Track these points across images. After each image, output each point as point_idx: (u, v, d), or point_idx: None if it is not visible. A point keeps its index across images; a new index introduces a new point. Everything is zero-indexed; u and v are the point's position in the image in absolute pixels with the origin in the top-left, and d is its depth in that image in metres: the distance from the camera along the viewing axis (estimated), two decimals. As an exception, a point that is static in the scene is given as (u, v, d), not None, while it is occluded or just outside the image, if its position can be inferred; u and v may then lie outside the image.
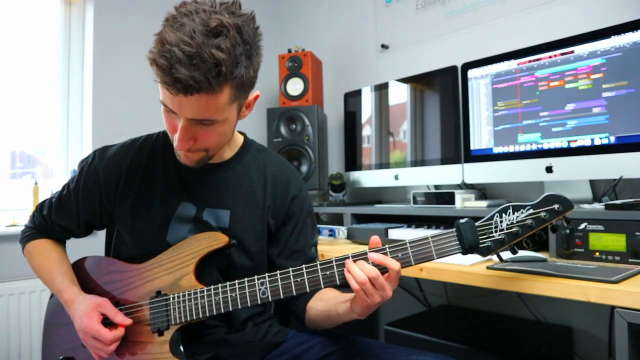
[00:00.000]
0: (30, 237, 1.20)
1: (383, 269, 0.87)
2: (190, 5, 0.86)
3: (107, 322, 1.02)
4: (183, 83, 0.82)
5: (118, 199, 1.10)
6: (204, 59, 0.81)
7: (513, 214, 0.86)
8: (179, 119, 0.91)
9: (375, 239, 0.91)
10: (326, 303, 1.06)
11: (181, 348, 1.01)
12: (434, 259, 0.87)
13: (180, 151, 0.98)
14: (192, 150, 0.96)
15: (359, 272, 0.87)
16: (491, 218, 0.87)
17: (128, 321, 1.02)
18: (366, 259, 0.88)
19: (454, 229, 0.87)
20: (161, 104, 0.92)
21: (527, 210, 0.85)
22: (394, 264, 0.86)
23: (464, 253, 0.86)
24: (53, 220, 1.17)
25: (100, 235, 1.24)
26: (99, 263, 1.15)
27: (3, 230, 1.99)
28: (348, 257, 0.90)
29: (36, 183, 2.08)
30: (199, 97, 0.85)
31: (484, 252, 0.86)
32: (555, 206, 0.85)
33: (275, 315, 1.22)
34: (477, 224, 0.87)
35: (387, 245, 0.89)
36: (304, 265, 0.92)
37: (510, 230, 0.85)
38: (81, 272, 1.15)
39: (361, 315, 0.94)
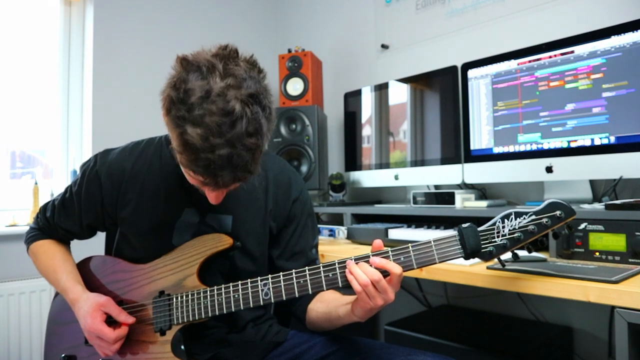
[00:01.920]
0: (34, 237, 1.21)
1: (385, 273, 0.87)
2: (195, 83, 0.80)
3: (111, 321, 1.02)
4: (228, 184, 0.84)
5: (120, 203, 1.10)
6: (241, 155, 0.81)
7: (515, 219, 0.86)
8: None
9: (378, 243, 0.92)
10: (327, 305, 1.06)
11: (182, 347, 1.02)
12: (436, 263, 0.88)
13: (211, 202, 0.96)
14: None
15: (361, 274, 0.87)
16: (493, 223, 0.87)
17: (131, 319, 1.03)
18: (368, 262, 0.88)
19: (456, 234, 0.87)
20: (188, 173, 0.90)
21: (529, 217, 0.86)
22: (395, 268, 0.87)
23: (466, 258, 0.87)
24: (56, 223, 1.18)
25: (101, 236, 1.24)
26: (104, 263, 1.16)
27: (3, 230, 1.99)
28: (351, 259, 0.90)
29: (36, 183, 2.08)
30: (241, 182, 0.88)
31: (486, 257, 0.87)
32: (557, 213, 0.85)
33: (276, 315, 1.22)
34: (479, 228, 0.87)
35: (389, 249, 0.89)
36: (306, 267, 0.92)
37: (512, 236, 0.86)
38: (86, 272, 1.15)
39: (362, 318, 0.94)
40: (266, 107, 0.85)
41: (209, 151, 0.79)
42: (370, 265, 0.88)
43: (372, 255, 0.89)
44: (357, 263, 0.89)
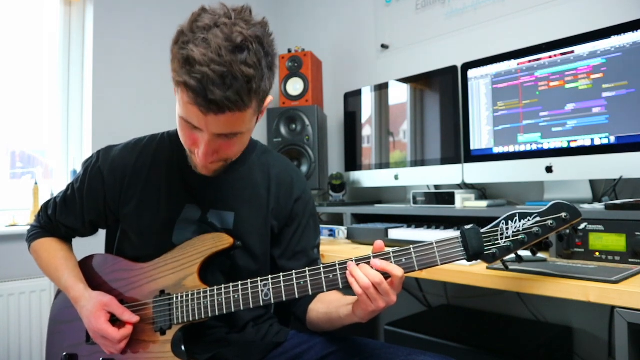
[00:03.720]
0: (36, 235, 1.21)
1: (386, 275, 0.87)
2: (206, 17, 0.84)
3: (115, 320, 1.03)
4: (218, 104, 0.82)
5: (122, 199, 1.10)
6: (236, 77, 0.81)
7: (520, 221, 0.84)
8: (201, 134, 0.89)
9: (379, 244, 0.91)
10: (328, 306, 1.06)
11: (182, 347, 1.02)
12: (437, 265, 0.86)
13: (201, 163, 0.95)
14: (213, 161, 0.95)
15: (362, 277, 0.86)
16: (497, 225, 0.86)
17: (135, 318, 1.03)
18: (369, 264, 0.88)
19: (459, 235, 0.86)
20: (181, 119, 0.90)
21: (533, 218, 0.84)
22: (397, 271, 0.86)
23: (469, 260, 0.85)
24: (58, 220, 1.17)
25: (101, 234, 1.24)
26: (105, 261, 1.16)
27: (3, 230, 1.99)
28: (352, 260, 0.89)
29: (36, 183, 2.08)
30: (230, 115, 0.85)
31: (489, 259, 0.85)
32: (563, 214, 0.83)
33: (276, 315, 1.22)
34: (482, 230, 0.86)
35: (391, 250, 0.88)
36: (307, 268, 0.92)
37: (516, 238, 0.84)
38: (88, 270, 1.15)
39: (363, 319, 0.94)
40: (269, 54, 0.87)
41: (205, 64, 0.79)
42: (372, 268, 0.87)
43: (373, 257, 0.88)
44: (357, 264, 0.88)
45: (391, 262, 0.88)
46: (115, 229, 1.18)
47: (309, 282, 0.91)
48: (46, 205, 1.21)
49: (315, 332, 1.14)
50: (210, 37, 0.81)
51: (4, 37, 2.19)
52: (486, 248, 0.85)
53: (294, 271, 0.93)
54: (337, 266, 0.90)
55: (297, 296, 0.92)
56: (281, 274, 0.94)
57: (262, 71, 0.85)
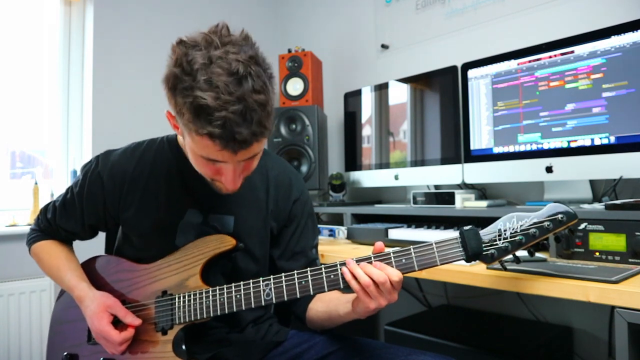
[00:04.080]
0: (36, 238, 1.21)
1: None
2: (197, 55, 0.82)
3: (118, 321, 1.03)
4: (247, 141, 0.83)
5: (122, 204, 1.10)
6: (254, 109, 0.81)
7: (517, 222, 0.86)
8: (224, 164, 0.90)
9: (379, 245, 0.92)
10: (327, 304, 1.06)
11: (183, 347, 1.02)
12: (437, 265, 0.88)
13: (231, 188, 0.95)
14: (241, 181, 0.96)
15: (362, 275, 0.87)
16: (495, 226, 0.87)
17: (138, 321, 1.03)
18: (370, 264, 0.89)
19: (457, 236, 0.88)
20: (201, 158, 0.89)
21: (531, 220, 0.86)
22: (394, 275, 0.87)
23: (468, 260, 0.87)
24: (58, 224, 1.18)
25: (101, 236, 1.24)
26: (108, 262, 1.16)
27: (3, 230, 1.99)
28: (353, 260, 0.90)
29: (36, 183, 2.08)
30: (257, 143, 0.86)
31: (487, 259, 0.87)
32: (559, 216, 0.85)
33: (276, 315, 1.22)
34: (481, 231, 0.88)
35: (391, 250, 0.89)
36: (308, 269, 0.92)
37: (514, 239, 0.86)
38: (91, 271, 1.15)
39: (363, 316, 0.95)
40: (267, 69, 0.87)
41: (222, 109, 0.79)
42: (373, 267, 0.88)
43: (374, 258, 0.89)
44: (358, 264, 0.89)
45: (391, 263, 0.88)
46: (115, 231, 1.18)
47: (310, 282, 0.92)
48: (45, 209, 1.21)
49: (315, 331, 1.14)
50: (212, 77, 0.80)
51: (4, 37, 2.19)
52: (485, 249, 0.86)
53: (295, 271, 0.93)
54: (339, 266, 0.91)
55: (298, 296, 0.93)
56: (283, 273, 0.94)
57: (269, 88, 0.86)
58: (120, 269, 1.12)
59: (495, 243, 0.86)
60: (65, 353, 1.12)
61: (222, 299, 0.98)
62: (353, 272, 0.88)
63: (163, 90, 0.89)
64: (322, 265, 0.93)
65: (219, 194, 1.08)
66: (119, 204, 1.10)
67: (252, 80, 0.82)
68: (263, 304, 0.95)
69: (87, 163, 1.16)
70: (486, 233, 0.87)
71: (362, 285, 0.87)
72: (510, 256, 0.88)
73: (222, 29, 0.86)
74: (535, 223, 0.85)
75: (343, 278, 0.90)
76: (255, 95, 0.82)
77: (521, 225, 0.86)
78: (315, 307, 1.10)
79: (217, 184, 0.97)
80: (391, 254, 0.89)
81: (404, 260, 0.88)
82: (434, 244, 0.88)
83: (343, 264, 0.90)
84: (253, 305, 0.95)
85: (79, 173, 1.17)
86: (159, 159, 1.11)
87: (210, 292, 0.99)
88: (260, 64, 0.86)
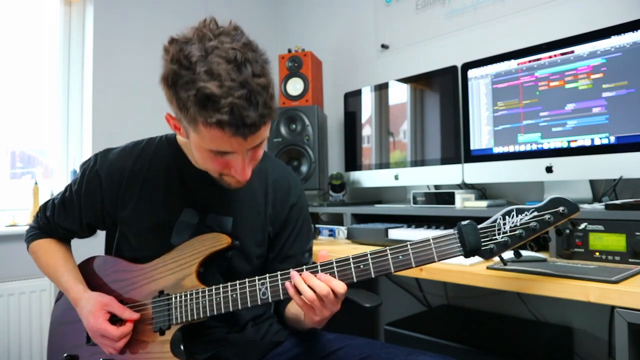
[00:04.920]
0: (34, 236, 1.21)
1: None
2: (193, 49, 0.82)
3: (115, 320, 1.03)
4: (256, 124, 0.83)
5: (120, 202, 1.10)
6: (258, 92, 0.82)
7: (517, 216, 0.84)
8: (233, 155, 0.90)
9: (323, 254, 0.92)
10: (297, 307, 1.06)
11: (181, 347, 1.02)
12: (435, 261, 0.86)
13: (243, 178, 0.94)
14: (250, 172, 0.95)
15: (307, 290, 0.87)
16: (494, 220, 0.85)
17: (136, 315, 1.03)
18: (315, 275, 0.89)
19: (455, 231, 0.85)
20: (209, 152, 0.89)
21: (531, 213, 0.84)
22: (339, 287, 0.86)
23: (466, 256, 0.85)
24: (56, 222, 1.18)
25: (101, 235, 1.24)
26: (105, 263, 1.16)
27: (3, 230, 1.99)
28: (316, 266, 0.90)
29: (36, 183, 2.08)
30: (264, 127, 0.87)
31: (486, 254, 0.84)
32: (560, 209, 0.83)
33: (275, 314, 1.22)
34: (479, 226, 0.85)
35: (387, 247, 0.88)
36: (304, 267, 0.92)
37: (513, 233, 0.83)
38: (88, 272, 1.15)
39: (315, 326, 0.98)
40: (262, 54, 0.88)
41: (228, 95, 0.80)
42: (317, 279, 0.88)
43: (321, 269, 0.89)
44: (300, 275, 0.89)
45: (388, 259, 0.87)
46: (115, 230, 1.18)
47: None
48: (44, 207, 1.21)
49: (314, 331, 1.14)
50: (212, 66, 0.81)
51: (4, 37, 2.19)
52: (483, 244, 0.84)
53: (291, 270, 0.93)
54: (335, 264, 0.90)
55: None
56: (279, 272, 0.94)
57: (268, 72, 0.87)
58: (117, 269, 1.12)
59: (494, 238, 0.84)
60: (65, 354, 1.12)
61: (218, 299, 0.97)
62: (299, 287, 0.88)
63: (162, 91, 0.89)
64: (318, 264, 0.91)
65: (218, 194, 1.08)
66: (117, 202, 1.10)
67: (251, 66, 0.83)
68: (259, 303, 0.94)
69: (85, 161, 1.16)
70: (484, 227, 0.85)
71: (309, 300, 0.87)
72: (511, 252, 0.86)
73: (211, 22, 0.87)
74: (535, 216, 0.83)
75: (339, 276, 0.89)
76: (257, 79, 0.82)
77: (521, 219, 0.84)
78: (290, 308, 1.11)
79: (226, 179, 0.96)
80: (387, 250, 0.87)
81: (400, 257, 0.86)
82: (431, 240, 0.86)
83: (339, 261, 0.90)
84: (249, 305, 0.95)
85: (78, 170, 1.18)
86: (158, 157, 1.11)
87: (207, 291, 0.99)
88: (255, 50, 0.87)
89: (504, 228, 0.84)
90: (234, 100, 0.80)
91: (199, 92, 0.80)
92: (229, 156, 0.90)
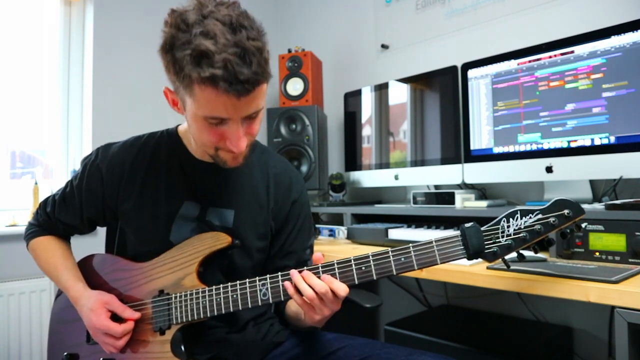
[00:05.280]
0: (34, 234, 1.21)
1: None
2: (189, 15, 0.84)
3: (115, 319, 1.03)
4: (250, 81, 0.83)
5: (121, 196, 1.10)
6: (253, 52, 0.83)
7: (521, 218, 0.83)
8: (228, 124, 0.89)
9: (317, 257, 0.93)
10: (297, 305, 1.06)
11: (182, 347, 1.02)
12: (437, 264, 0.85)
13: (236, 153, 0.94)
14: (246, 145, 0.95)
15: (307, 289, 0.88)
16: (498, 223, 0.84)
17: (137, 315, 1.03)
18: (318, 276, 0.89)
19: (458, 234, 0.84)
20: (204, 119, 0.89)
21: (535, 216, 0.82)
22: (340, 290, 0.87)
23: (469, 258, 0.84)
24: (57, 218, 1.17)
25: (101, 233, 1.24)
26: (104, 261, 1.16)
27: (3, 230, 1.99)
28: (318, 267, 0.90)
29: (36, 183, 2.08)
30: (258, 89, 0.87)
31: (490, 257, 0.83)
32: (566, 212, 0.82)
33: (276, 313, 1.22)
34: (483, 228, 0.84)
35: (390, 249, 0.87)
36: (305, 268, 0.92)
37: (517, 236, 0.82)
38: (87, 270, 1.15)
39: (315, 325, 0.97)
40: (259, 25, 0.89)
41: (223, 51, 0.81)
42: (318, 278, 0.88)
43: (322, 270, 0.89)
44: (301, 273, 0.90)
45: (390, 261, 0.87)
46: (115, 227, 1.18)
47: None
48: (45, 203, 1.21)
49: (314, 331, 1.14)
50: (207, 27, 0.82)
51: (4, 37, 2.19)
52: (487, 246, 0.83)
53: (292, 270, 0.93)
54: (336, 265, 0.90)
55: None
56: (279, 273, 0.94)
57: (263, 38, 0.88)
58: (117, 268, 1.12)
59: (497, 240, 0.83)
60: (65, 353, 1.12)
61: (218, 299, 0.97)
62: (298, 285, 0.88)
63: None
64: (319, 265, 0.91)
65: (219, 186, 1.08)
66: (118, 196, 1.10)
67: (245, 30, 0.84)
68: (260, 304, 0.94)
69: (87, 156, 1.17)
70: (488, 230, 0.84)
71: (309, 299, 0.87)
72: (514, 254, 0.85)
73: None
74: (540, 219, 0.82)
75: (341, 277, 0.89)
76: (251, 41, 0.84)
77: (525, 222, 0.82)
78: (291, 306, 1.11)
79: (222, 155, 0.96)
80: (390, 251, 0.87)
81: (403, 259, 0.86)
82: (434, 242, 0.85)
83: (341, 262, 0.90)
84: (250, 305, 0.95)
85: (79, 167, 1.18)
86: (159, 150, 1.11)
87: (207, 291, 0.99)
88: (252, 19, 0.88)
89: (508, 231, 0.83)
90: (228, 56, 0.81)
91: (195, 50, 0.82)
92: (224, 126, 0.90)
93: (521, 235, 0.83)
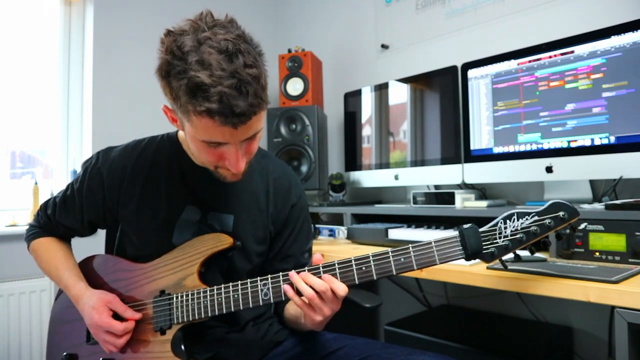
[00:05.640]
0: (34, 235, 1.21)
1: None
2: (185, 40, 0.83)
3: (116, 318, 1.03)
4: (245, 114, 0.83)
5: (121, 200, 1.10)
6: (248, 82, 0.82)
7: (517, 220, 0.85)
8: (227, 146, 0.90)
9: (317, 258, 0.93)
10: (296, 308, 1.06)
11: (182, 347, 1.02)
12: (436, 264, 0.87)
13: (238, 171, 0.94)
14: (245, 164, 0.95)
15: (306, 288, 0.88)
16: (495, 224, 0.86)
17: (137, 315, 1.03)
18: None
19: (457, 235, 0.86)
20: (202, 143, 0.90)
21: (531, 217, 0.85)
22: (340, 290, 0.87)
23: (467, 259, 0.86)
24: (57, 220, 1.18)
25: (101, 235, 1.24)
26: (105, 261, 1.16)
27: (3, 230, 1.99)
28: (318, 267, 0.90)
29: (36, 183, 2.08)
30: (255, 118, 0.86)
31: (487, 258, 0.86)
32: (561, 214, 0.84)
33: (276, 314, 1.22)
34: (480, 229, 0.86)
35: (389, 249, 0.88)
36: (305, 268, 0.92)
37: (514, 237, 0.84)
38: (88, 271, 1.16)
39: (315, 328, 0.98)
40: (256, 47, 0.88)
41: (218, 84, 0.80)
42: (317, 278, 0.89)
43: (324, 272, 0.89)
44: (299, 274, 0.90)
45: (390, 261, 0.87)
46: (115, 229, 1.18)
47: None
48: (45, 205, 1.21)
49: (314, 331, 1.14)
50: (203, 56, 0.81)
51: (4, 37, 2.19)
52: (485, 247, 0.85)
53: (293, 271, 0.93)
54: (337, 265, 0.90)
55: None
56: (280, 273, 0.94)
57: (260, 63, 0.87)
58: (118, 269, 1.12)
59: (495, 241, 0.85)
60: (64, 353, 1.12)
61: (219, 299, 0.98)
62: (299, 286, 0.89)
63: (158, 84, 0.89)
64: (320, 265, 0.91)
65: (219, 192, 1.08)
66: (118, 200, 1.10)
67: (242, 56, 0.83)
68: (261, 303, 0.95)
69: (87, 159, 1.17)
70: (486, 231, 0.86)
71: (306, 299, 0.88)
72: (511, 255, 0.87)
73: (207, 15, 0.88)
74: (536, 221, 0.84)
75: (341, 277, 0.89)
76: (248, 69, 0.83)
77: (522, 223, 0.85)
78: (289, 308, 1.11)
79: (221, 172, 0.96)
80: (389, 252, 0.88)
81: (402, 259, 0.87)
82: (433, 243, 0.87)
83: (341, 263, 0.90)
84: (251, 305, 0.95)
85: (79, 169, 1.18)
86: (159, 155, 1.11)
87: (208, 291, 0.99)
88: (249, 42, 0.87)
89: (505, 232, 0.85)
90: (223, 89, 0.80)
91: (190, 81, 0.81)
92: (223, 147, 0.90)
93: (518, 236, 0.85)
